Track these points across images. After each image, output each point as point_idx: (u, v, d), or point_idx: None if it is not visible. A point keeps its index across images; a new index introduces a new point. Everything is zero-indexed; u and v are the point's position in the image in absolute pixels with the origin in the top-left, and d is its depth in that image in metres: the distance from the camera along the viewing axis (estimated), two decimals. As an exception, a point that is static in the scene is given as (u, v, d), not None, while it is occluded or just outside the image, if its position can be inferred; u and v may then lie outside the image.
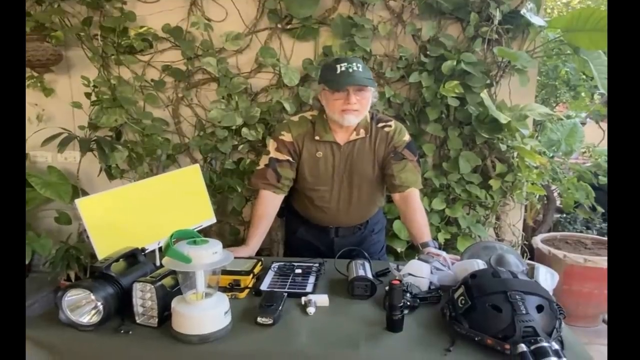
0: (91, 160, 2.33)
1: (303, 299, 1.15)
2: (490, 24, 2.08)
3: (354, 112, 1.45)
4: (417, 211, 1.54)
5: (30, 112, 2.48)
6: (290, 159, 1.56)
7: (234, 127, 2.28)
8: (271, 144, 1.59)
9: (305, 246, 1.68)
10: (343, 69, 1.43)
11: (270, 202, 1.58)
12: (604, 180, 2.71)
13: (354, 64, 1.44)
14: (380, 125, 1.57)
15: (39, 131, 2.29)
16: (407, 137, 1.58)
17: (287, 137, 1.56)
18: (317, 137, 1.54)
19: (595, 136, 3.25)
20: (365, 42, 2.17)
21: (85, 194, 2.31)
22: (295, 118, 1.61)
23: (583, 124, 3.18)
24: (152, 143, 2.35)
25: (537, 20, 2.02)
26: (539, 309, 0.94)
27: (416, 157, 1.60)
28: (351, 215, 1.64)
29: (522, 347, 0.86)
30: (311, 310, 1.11)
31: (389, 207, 2.11)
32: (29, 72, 2.38)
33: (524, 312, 0.91)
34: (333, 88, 1.45)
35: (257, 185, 1.59)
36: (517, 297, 0.94)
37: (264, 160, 1.60)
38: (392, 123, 1.59)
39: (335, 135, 1.54)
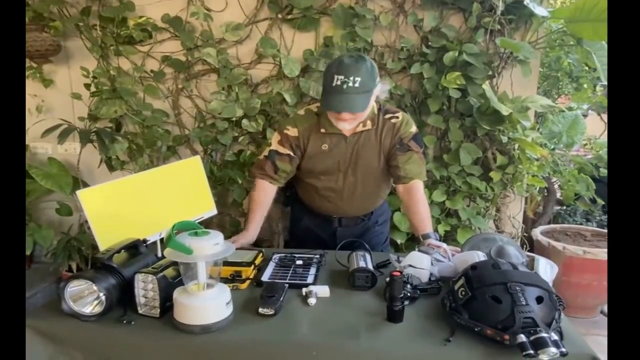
0: (91, 151, 2.33)
1: (304, 289, 1.16)
2: (492, 14, 2.06)
3: (347, 121, 1.46)
4: (419, 203, 1.54)
5: (29, 103, 2.47)
6: (292, 153, 1.56)
7: (234, 119, 2.28)
8: (275, 137, 1.59)
9: (308, 235, 1.69)
10: (338, 82, 1.35)
11: (266, 191, 1.59)
12: (604, 172, 2.71)
13: (352, 77, 1.35)
14: (387, 116, 1.56)
15: (39, 122, 2.28)
16: (413, 129, 1.57)
17: (292, 131, 1.55)
18: (322, 130, 1.53)
19: (596, 128, 3.24)
20: (366, 33, 2.15)
21: (85, 185, 2.32)
22: (302, 112, 1.60)
23: (585, 116, 3.17)
24: (152, 134, 2.35)
25: (540, 11, 2.00)
26: (539, 300, 0.94)
27: (422, 149, 1.59)
28: (355, 206, 1.64)
29: (522, 337, 0.86)
30: (312, 301, 1.11)
31: (390, 198, 2.10)
32: (27, 62, 2.37)
33: (523, 303, 0.92)
34: (322, 106, 1.45)
35: (254, 174, 1.62)
36: (517, 288, 0.94)
37: (265, 151, 1.61)
38: (400, 114, 1.57)
39: None
